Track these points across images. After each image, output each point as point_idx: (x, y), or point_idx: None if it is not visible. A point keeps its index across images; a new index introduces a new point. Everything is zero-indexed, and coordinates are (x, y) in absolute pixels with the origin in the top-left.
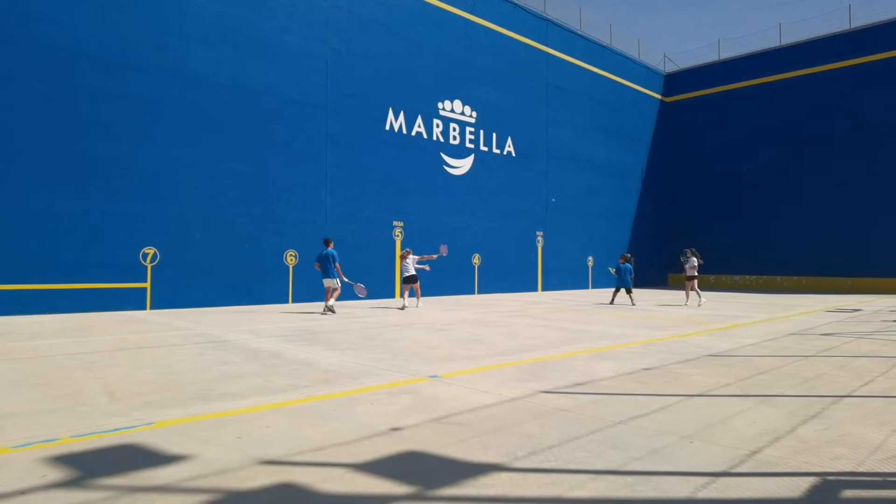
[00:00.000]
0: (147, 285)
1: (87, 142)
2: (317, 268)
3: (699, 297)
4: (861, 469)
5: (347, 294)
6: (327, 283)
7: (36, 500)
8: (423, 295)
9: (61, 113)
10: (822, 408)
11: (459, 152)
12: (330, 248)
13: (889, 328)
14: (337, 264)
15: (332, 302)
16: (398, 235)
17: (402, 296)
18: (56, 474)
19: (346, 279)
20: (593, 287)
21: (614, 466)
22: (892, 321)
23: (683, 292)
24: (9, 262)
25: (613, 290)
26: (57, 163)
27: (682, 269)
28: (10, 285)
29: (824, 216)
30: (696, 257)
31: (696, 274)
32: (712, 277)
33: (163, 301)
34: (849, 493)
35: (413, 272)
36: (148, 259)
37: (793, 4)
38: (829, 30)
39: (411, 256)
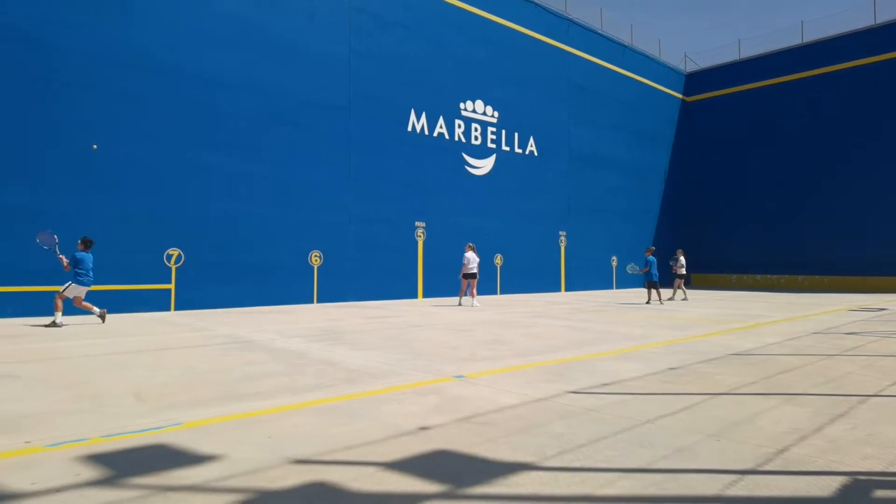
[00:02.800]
0: (171, 286)
1: (109, 144)
2: (66, 269)
3: (684, 293)
4: (893, 469)
5: (353, 295)
6: (78, 290)
7: (71, 497)
8: (444, 295)
9: (83, 116)
10: (848, 407)
11: (481, 152)
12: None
13: None
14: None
15: (92, 312)
16: (420, 236)
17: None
18: (89, 473)
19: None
20: (617, 287)
21: (642, 465)
22: None
23: (680, 290)
24: (34, 265)
25: (646, 289)
26: (79, 165)
27: (672, 269)
28: (36, 287)
29: (848, 214)
30: (684, 257)
31: (685, 273)
32: (734, 277)
33: (187, 302)
34: (881, 493)
35: (475, 269)
36: (172, 260)
37: (815, 2)
38: (853, 26)
39: (472, 253)
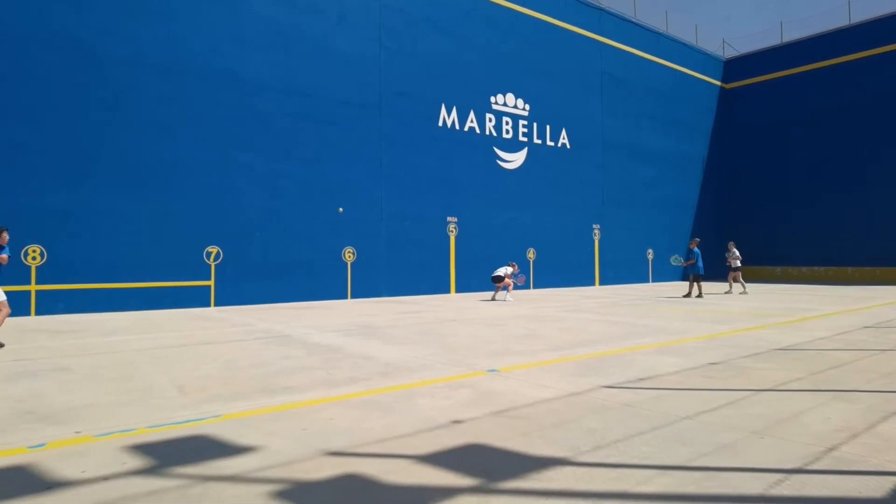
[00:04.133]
0: (211, 283)
1: (149, 146)
2: None
3: (742, 286)
4: None
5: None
6: None
7: (118, 485)
8: (477, 290)
9: (124, 118)
10: None
11: (513, 146)
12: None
13: None
14: None
15: None
16: (452, 231)
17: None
18: (134, 462)
19: None
20: (653, 280)
21: (681, 462)
22: None
23: (738, 283)
24: (83, 263)
25: (690, 281)
26: (123, 166)
27: (727, 262)
28: (85, 284)
29: None
30: (737, 250)
31: (740, 265)
32: (778, 269)
33: (226, 298)
34: None
35: (500, 273)
36: (211, 258)
37: None
38: None
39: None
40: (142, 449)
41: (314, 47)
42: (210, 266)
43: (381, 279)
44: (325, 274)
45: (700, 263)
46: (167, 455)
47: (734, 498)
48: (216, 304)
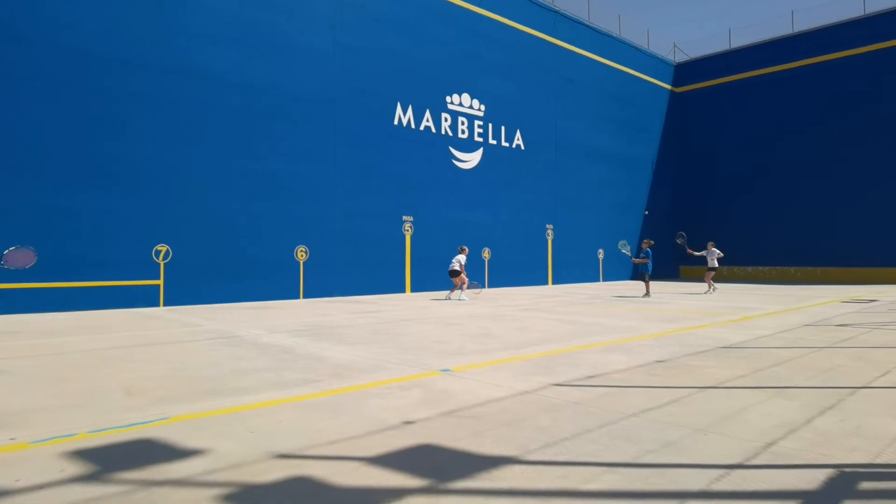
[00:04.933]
0: (160, 282)
1: (95, 141)
2: None
3: (709, 287)
4: (878, 461)
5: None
6: None
7: (54, 494)
8: (433, 290)
9: (68, 112)
10: (838, 399)
11: (468, 146)
12: None
13: None
14: None
15: None
16: (408, 230)
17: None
18: (74, 469)
19: None
20: (604, 280)
21: (628, 459)
22: None
23: (705, 283)
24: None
25: (644, 281)
26: (66, 162)
27: (708, 263)
28: (27, 283)
29: (840, 205)
30: (717, 249)
31: (717, 265)
32: (725, 269)
33: (175, 298)
34: (866, 485)
35: (456, 267)
36: (160, 256)
37: None
38: (844, 16)
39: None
40: (83, 454)
41: (266, 41)
42: (159, 265)
43: (334, 278)
44: (277, 273)
45: (651, 263)
46: (110, 460)
47: (678, 494)
48: (165, 304)
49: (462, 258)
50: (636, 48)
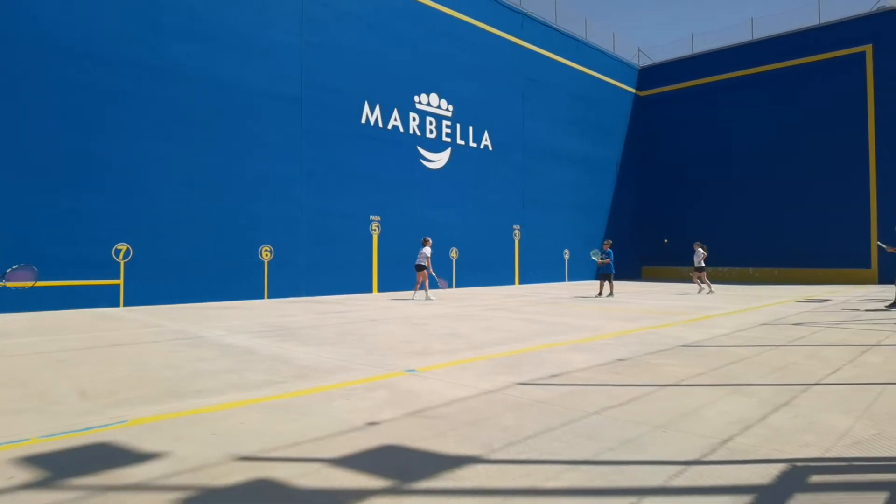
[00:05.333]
0: (120, 282)
1: (52, 135)
2: None
3: (699, 286)
4: (828, 455)
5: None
6: None
7: (2, 502)
8: (400, 289)
9: (25, 107)
10: (791, 396)
11: (436, 146)
12: None
13: (857, 317)
14: None
15: None
16: (375, 230)
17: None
18: (24, 476)
19: None
20: (570, 280)
21: (589, 457)
22: (861, 310)
23: (705, 284)
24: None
25: (599, 281)
26: (22, 158)
27: (696, 263)
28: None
29: (796, 207)
30: (703, 249)
31: (704, 265)
32: (685, 269)
33: (136, 298)
34: (816, 479)
35: (422, 262)
36: (121, 255)
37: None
38: (799, 25)
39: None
40: (34, 460)
41: (234, 37)
42: (119, 264)
43: (300, 278)
44: (240, 273)
45: (612, 263)
46: (63, 465)
47: (637, 490)
48: (126, 304)
49: (427, 250)
50: (602, 51)
